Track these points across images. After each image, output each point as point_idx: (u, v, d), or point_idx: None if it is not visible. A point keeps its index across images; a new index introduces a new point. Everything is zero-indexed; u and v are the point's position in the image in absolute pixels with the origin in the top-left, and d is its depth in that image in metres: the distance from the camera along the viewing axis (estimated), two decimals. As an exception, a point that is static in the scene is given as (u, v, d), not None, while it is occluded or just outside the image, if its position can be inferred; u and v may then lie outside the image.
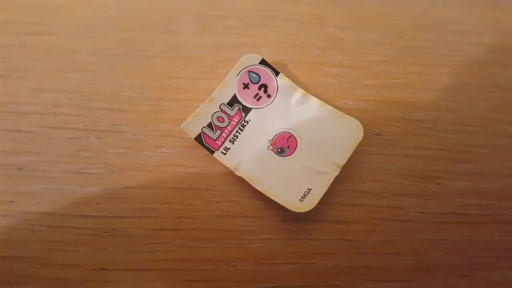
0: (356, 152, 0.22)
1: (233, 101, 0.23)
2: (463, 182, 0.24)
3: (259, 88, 0.24)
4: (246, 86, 0.24)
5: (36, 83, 0.25)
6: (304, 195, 0.21)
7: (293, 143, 0.23)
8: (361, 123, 0.23)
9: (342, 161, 0.22)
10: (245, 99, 0.24)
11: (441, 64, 0.27)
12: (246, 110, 0.24)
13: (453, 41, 0.27)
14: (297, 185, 0.22)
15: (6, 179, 0.23)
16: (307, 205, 0.21)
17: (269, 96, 0.24)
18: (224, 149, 0.22)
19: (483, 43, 0.28)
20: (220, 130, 0.23)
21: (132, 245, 0.22)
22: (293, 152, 0.23)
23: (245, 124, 0.23)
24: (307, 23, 0.27)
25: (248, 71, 0.24)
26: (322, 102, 0.24)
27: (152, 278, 0.21)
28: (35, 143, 0.23)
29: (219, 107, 0.23)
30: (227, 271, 0.22)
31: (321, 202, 0.21)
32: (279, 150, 0.23)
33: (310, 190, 0.21)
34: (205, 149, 0.22)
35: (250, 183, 0.22)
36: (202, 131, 0.22)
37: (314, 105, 0.24)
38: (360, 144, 0.22)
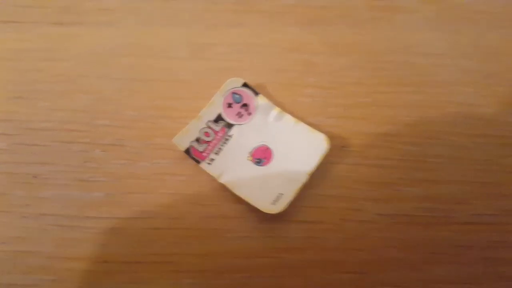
0: (323, 163, 0.25)
1: (218, 118, 0.27)
2: (418, 188, 0.27)
3: (241, 107, 0.27)
4: (230, 105, 0.27)
5: (50, 103, 0.28)
6: (276, 199, 0.24)
7: (269, 154, 0.26)
8: (329, 137, 0.26)
9: (311, 170, 0.25)
10: (229, 117, 0.27)
11: (403, 83, 0.29)
12: (230, 126, 0.27)
13: (416, 63, 0.30)
14: (270, 191, 0.25)
15: (24, 186, 0.26)
16: (279, 208, 0.24)
17: (249, 114, 0.27)
18: (209, 160, 0.26)
19: (444, 64, 0.30)
20: (207, 143, 0.26)
21: (130, 241, 0.25)
22: (269, 162, 0.26)
23: (228, 138, 0.26)
24: (285, 49, 0.30)
25: (232, 93, 0.27)
26: (295, 119, 0.27)
27: (147, 270, 0.25)
28: (48, 155, 0.26)
29: (206, 123, 0.26)
30: (210, 264, 0.25)
31: (292, 205, 0.24)
32: (257, 160, 0.26)
33: (282, 195, 0.25)
34: (193, 160, 0.26)
35: (231, 189, 0.25)
36: (191, 145, 0.26)
37: (289, 122, 0.27)
38: (327, 155, 0.25)
